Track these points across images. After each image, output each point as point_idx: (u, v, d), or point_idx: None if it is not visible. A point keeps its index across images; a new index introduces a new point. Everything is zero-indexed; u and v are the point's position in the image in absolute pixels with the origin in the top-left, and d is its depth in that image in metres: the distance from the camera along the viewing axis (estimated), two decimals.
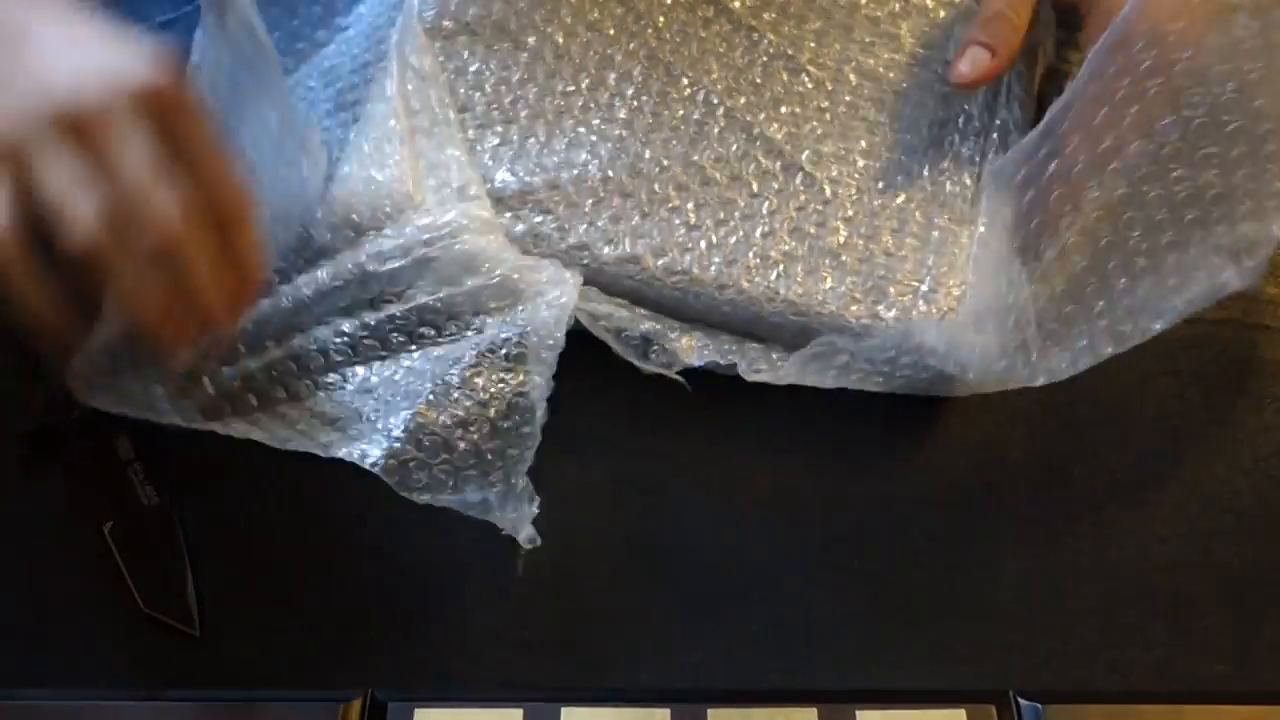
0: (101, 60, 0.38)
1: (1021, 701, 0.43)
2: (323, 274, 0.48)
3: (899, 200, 0.51)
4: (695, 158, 0.52)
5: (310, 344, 0.48)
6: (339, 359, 0.48)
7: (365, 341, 0.48)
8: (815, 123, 0.53)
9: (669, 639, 0.46)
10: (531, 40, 0.54)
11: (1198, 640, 0.45)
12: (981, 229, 0.50)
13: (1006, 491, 0.49)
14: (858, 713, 0.42)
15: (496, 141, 0.52)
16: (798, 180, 0.51)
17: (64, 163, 0.37)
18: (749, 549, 0.47)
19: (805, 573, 0.47)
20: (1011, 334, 0.46)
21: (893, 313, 0.48)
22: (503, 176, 0.51)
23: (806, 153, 0.52)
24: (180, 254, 0.38)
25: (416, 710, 0.43)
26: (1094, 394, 0.48)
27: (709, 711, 0.42)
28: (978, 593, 0.46)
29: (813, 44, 0.55)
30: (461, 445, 0.45)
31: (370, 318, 0.48)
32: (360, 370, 0.48)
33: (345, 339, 0.48)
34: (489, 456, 0.45)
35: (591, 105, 0.53)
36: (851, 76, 0.54)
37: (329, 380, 0.48)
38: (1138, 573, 0.47)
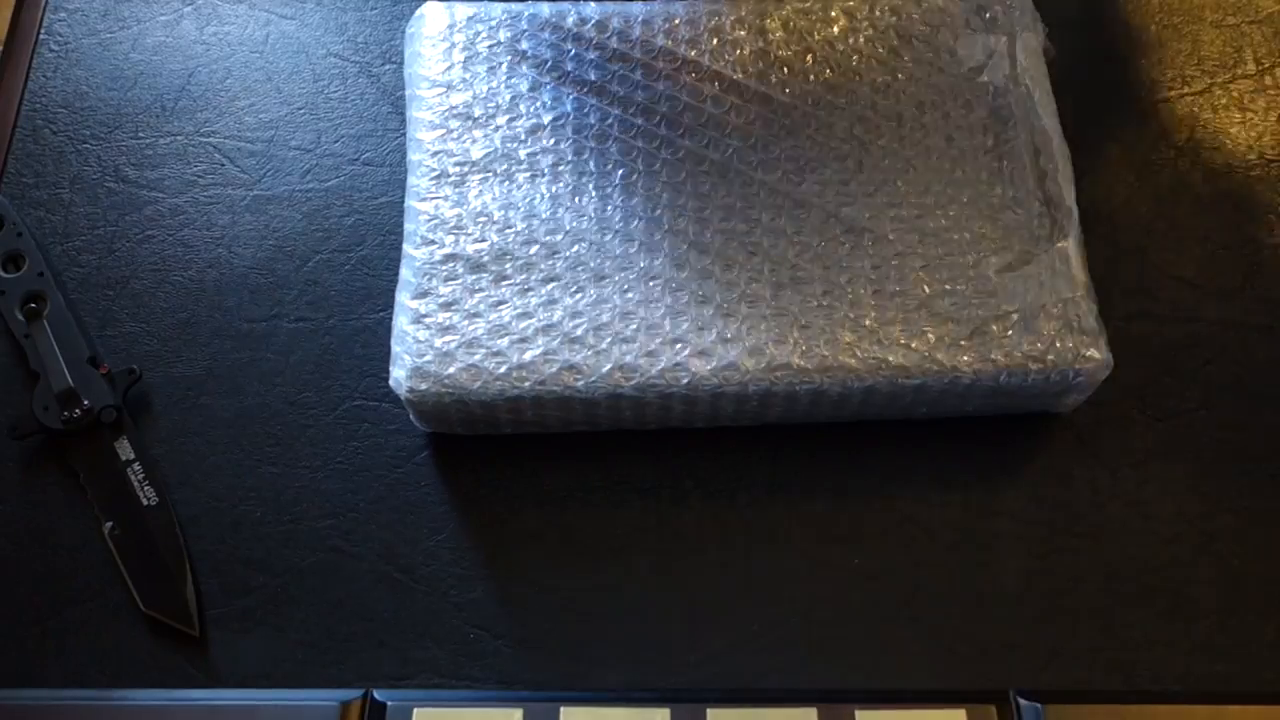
0: None
1: (1021, 701, 0.43)
2: None
3: (967, 236, 0.49)
4: (757, 241, 0.49)
5: None
6: None
7: None
8: (854, 183, 0.51)
9: (669, 639, 0.46)
10: None
11: (1198, 640, 0.45)
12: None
13: (1007, 491, 0.49)
14: (857, 713, 0.42)
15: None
16: (866, 241, 0.49)
17: None
18: (749, 549, 0.47)
19: (805, 573, 0.47)
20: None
21: (1000, 354, 0.46)
22: None
23: (854, 210, 0.50)
24: None
25: (415, 710, 0.43)
26: (1094, 394, 0.48)
27: (709, 711, 0.42)
28: (978, 593, 0.46)
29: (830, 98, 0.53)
30: None
31: None
32: None
33: None
34: None
35: None
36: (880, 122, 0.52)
37: None
38: (1138, 573, 0.47)
